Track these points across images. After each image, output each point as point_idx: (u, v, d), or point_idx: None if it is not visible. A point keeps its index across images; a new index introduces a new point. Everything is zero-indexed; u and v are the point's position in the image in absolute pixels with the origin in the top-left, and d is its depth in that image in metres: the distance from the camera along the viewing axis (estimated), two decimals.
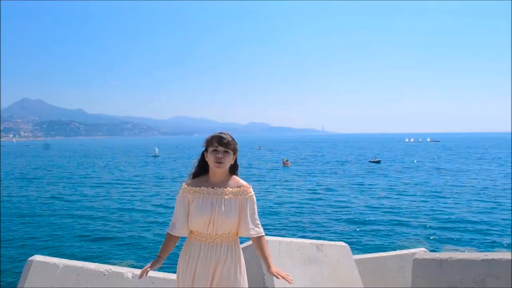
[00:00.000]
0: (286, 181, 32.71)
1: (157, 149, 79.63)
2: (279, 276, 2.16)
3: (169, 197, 24.74)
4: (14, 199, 24.73)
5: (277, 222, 17.08)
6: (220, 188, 2.24)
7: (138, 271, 3.04)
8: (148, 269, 2.18)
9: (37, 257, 2.89)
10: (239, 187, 2.27)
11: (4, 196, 25.76)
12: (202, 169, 2.32)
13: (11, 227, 16.95)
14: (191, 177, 2.33)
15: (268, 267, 2.23)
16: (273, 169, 44.46)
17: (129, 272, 3.02)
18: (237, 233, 2.28)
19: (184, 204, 2.26)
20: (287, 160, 50.21)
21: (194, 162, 2.36)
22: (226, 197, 2.22)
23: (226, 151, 2.21)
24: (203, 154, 2.31)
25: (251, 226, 2.25)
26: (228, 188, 2.25)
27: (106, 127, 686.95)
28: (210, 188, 2.23)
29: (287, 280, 2.14)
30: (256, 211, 2.30)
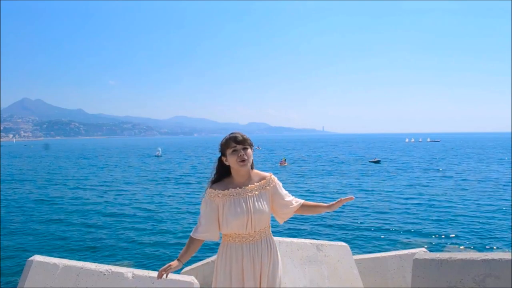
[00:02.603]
0: (285, 181, 32.72)
1: (160, 149, 79.28)
2: (341, 203, 2.40)
3: (170, 197, 24.75)
4: (14, 199, 24.72)
5: (277, 222, 17.07)
6: (247, 186, 2.24)
7: (138, 271, 3.04)
8: (166, 272, 2.15)
9: (37, 257, 2.89)
10: (263, 179, 2.31)
11: (4, 196, 25.76)
12: (222, 175, 2.29)
13: (11, 227, 16.94)
14: (211, 184, 2.29)
15: (330, 208, 2.40)
16: (271, 169, 44.45)
17: (129, 272, 3.01)
18: (269, 226, 2.34)
19: (212, 208, 2.23)
20: (284, 160, 50.21)
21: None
22: (256, 193, 2.24)
23: (245, 147, 2.22)
24: (220, 160, 2.29)
25: (294, 199, 2.39)
26: (254, 183, 2.27)
27: (106, 127, 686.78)
28: (238, 188, 2.23)
29: (349, 199, 2.42)
30: (285, 191, 2.40)
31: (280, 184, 2.37)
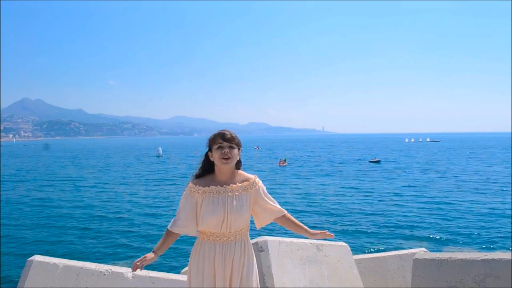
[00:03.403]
0: (284, 181, 32.71)
1: (160, 149, 79.15)
2: (319, 236, 2.31)
3: (172, 196, 24.74)
4: (14, 199, 24.73)
5: (276, 224, 17.08)
6: (228, 185, 2.21)
7: (138, 272, 3.04)
8: (140, 263, 2.12)
9: (37, 257, 2.89)
10: (247, 180, 2.26)
11: (4, 196, 25.76)
12: (206, 170, 2.28)
13: (11, 227, 16.94)
14: (194, 178, 2.28)
15: (309, 233, 2.33)
16: (269, 168, 44.43)
17: (129, 272, 3.02)
18: (248, 228, 2.28)
19: (191, 203, 2.22)
20: (284, 160, 50.19)
21: (198, 163, 2.34)
22: (236, 193, 2.20)
23: (231, 146, 2.19)
24: (206, 155, 2.27)
25: (277, 206, 2.33)
26: (237, 184, 2.23)
27: (106, 127, 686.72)
28: (219, 186, 2.20)
29: (328, 235, 2.29)
30: (269, 196, 2.34)
31: (264, 188, 2.32)
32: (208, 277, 2.17)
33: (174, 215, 2.32)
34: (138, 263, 2.11)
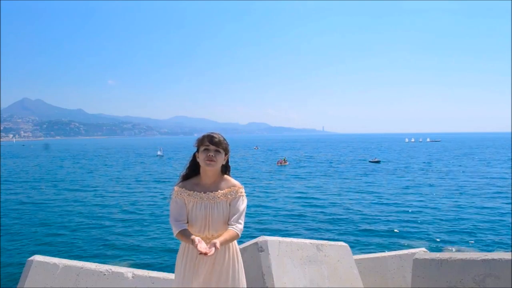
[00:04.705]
0: (284, 181, 32.71)
1: (161, 149, 79.13)
2: (201, 251, 1.97)
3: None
4: (14, 199, 24.72)
5: (277, 222, 17.08)
6: (212, 192, 2.24)
7: (138, 271, 3.04)
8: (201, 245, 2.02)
9: (37, 257, 2.90)
10: (231, 187, 2.28)
11: (4, 196, 25.76)
12: (193, 171, 2.33)
13: (11, 227, 16.94)
14: (181, 179, 2.33)
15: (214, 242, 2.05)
16: (268, 168, 44.41)
17: (129, 272, 3.01)
18: None
19: (182, 204, 2.27)
20: (284, 160, 50.22)
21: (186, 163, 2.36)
22: (218, 200, 2.24)
23: (217, 150, 2.22)
24: (194, 156, 2.32)
25: (233, 219, 2.20)
26: (219, 191, 2.26)
27: (106, 127, 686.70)
28: (202, 193, 2.24)
29: (204, 253, 1.96)
30: (242, 209, 2.24)
31: (244, 202, 2.27)
32: (191, 277, 2.22)
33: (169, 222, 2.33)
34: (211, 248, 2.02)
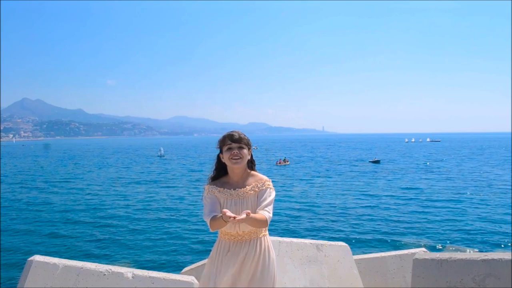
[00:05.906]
0: (285, 180, 32.71)
1: (162, 149, 79.13)
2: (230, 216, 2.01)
3: (172, 197, 24.74)
4: (14, 199, 24.72)
5: (277, 222, 17.08)
6: (241, 188, 2.28)
7: (138, 271, 3.04)
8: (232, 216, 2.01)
9: (37, 257, 2.89)
10: (258, 181, 2.32)
11: (4, 196, 25.76)
12: (220, 172, 2.37)
13: (11, 227, 16.94)
14: (209, 181, 2.37)
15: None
16: (267, 168, 44.41)
17: (129, 272, 3.01)
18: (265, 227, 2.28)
19: (214, 199, 2.28)
20: (285, 159, 50.19)
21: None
22: (247, 196, 2.27)
23: (240, 147, 2.27)
24: (218, 157, 2.35)
25: (261, 207, 2.21)
26: (248, 186, 2.29)
27: (106, 127, 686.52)
28: (232, 189, 2.28)
29: (233, 217, 2.00)
30: (270, 200, 2.24)
31: (271, 193, 2.28)
32: (220, 274, 2.26)
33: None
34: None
